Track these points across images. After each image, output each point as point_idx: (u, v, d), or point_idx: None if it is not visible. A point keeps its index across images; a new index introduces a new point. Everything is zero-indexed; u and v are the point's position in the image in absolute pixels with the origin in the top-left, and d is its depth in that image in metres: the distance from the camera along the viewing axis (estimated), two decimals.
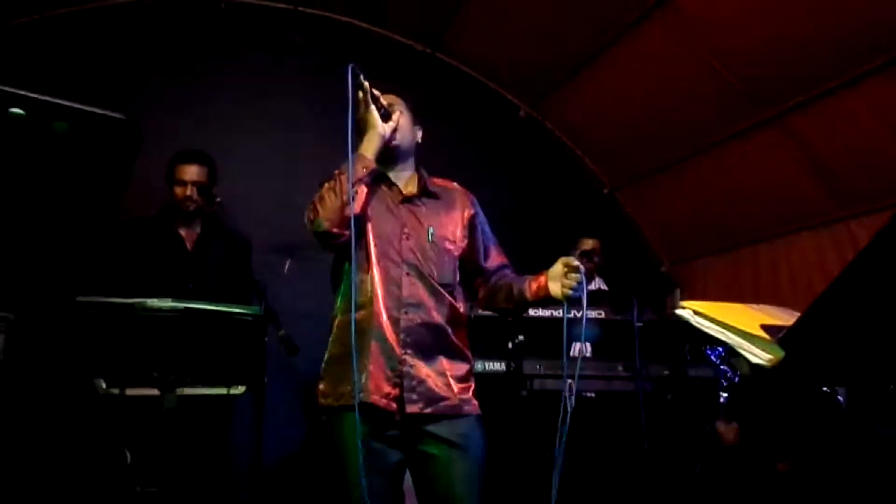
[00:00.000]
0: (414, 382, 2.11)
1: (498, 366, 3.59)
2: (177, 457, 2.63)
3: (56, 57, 4.11)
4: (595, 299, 4.40)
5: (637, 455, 3.37)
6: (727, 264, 4.93)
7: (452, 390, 2.16)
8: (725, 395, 4.42)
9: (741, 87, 4.03)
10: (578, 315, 2.12)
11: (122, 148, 1.20)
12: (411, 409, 2.09)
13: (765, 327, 1.22)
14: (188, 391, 2.50)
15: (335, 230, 2.10)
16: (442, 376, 2.16)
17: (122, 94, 4.13)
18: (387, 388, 2.09)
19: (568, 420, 1.95)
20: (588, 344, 4.36)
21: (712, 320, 1.26)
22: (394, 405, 2.09)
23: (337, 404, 2.15)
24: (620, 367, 3.65)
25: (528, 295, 2.22)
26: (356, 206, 2.09)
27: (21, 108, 1.05)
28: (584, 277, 2.06)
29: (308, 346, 3.22)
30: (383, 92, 2.26)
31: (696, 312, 1.31)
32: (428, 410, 2.11)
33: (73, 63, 4.14)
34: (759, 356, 1.16)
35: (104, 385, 2.43)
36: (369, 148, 2.18)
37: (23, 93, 1.05)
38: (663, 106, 4.50)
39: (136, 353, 2.41)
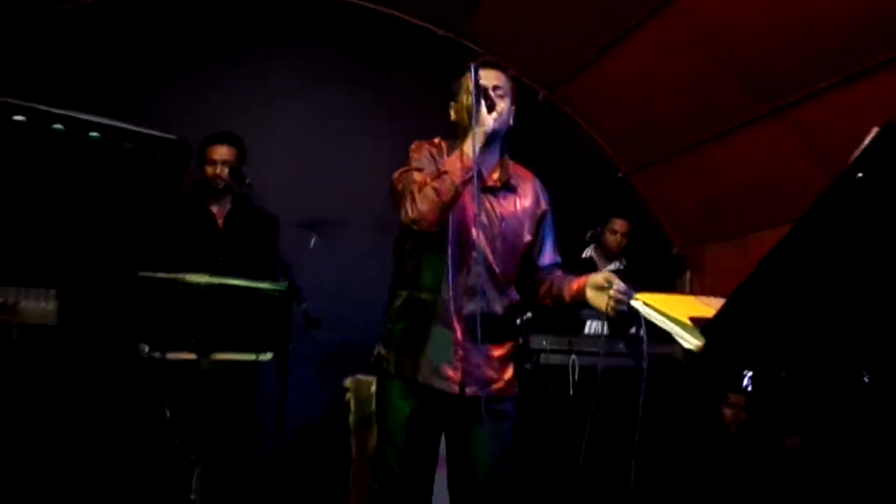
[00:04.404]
0: (471, 367, 2.24)
1: None
2: (210, 414, 2.91)
3: (67, 53, 4.14)
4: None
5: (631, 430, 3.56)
6: (735, 249, 5.04)
7: (502, 375, 2.33)
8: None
9: (748, 79, 4.14)
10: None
11: (175, 162, 1.46)
12: (470, 391, 2.23)
13: (693, 319, 1.43)
14: (221, 356, 2.75)
15: (433, 229, 2.17)
16: (494, 360, 2.31)
17: (147, 82, 4.25)
18: (448, 372, 2.22)
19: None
20: (605, 323, 4.54)
21: (656, 310, 1.47)
22: (455, 388, 2.22)
23: (394, 372, 2.31)
24: (622, 346, 3.86)
25: (566, 295, 2.36)
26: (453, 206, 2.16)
27: (97, 132, 1.30)
28: (628, 294, 2.09)
29: (329, 320, 3.48)
30: (490, 68, 2.27)
31: (645, 303, 1.52)
32: (482, 394, 2.25)
33: (90, 56, 4.19)
34: (690, 342, 1.37)
35: (147, 349, 2.67)
36: (473, 147, 2.11)
37: (97, 120, 1.30)
38: (675, 95, 4.62)
39: (176, 321, 2.64)
